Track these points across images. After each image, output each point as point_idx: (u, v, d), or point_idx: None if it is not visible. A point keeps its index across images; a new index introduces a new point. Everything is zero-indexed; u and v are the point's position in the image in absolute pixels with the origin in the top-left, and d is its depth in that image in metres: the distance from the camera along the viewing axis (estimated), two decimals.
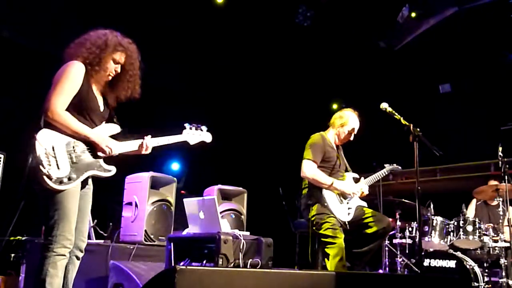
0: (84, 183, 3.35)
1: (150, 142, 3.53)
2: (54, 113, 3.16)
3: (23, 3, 6.69)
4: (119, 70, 3.43)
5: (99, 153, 3.31)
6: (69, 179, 3.15)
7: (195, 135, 3.82)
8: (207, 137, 3.90)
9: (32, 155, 3.09)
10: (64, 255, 3.18)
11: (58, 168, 3.12)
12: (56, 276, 3.15)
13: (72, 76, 3.24)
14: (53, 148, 3.13)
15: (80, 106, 3.27)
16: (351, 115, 5.11)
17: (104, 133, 3.37)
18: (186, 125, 3.79)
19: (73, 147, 3.21)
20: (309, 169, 4.83)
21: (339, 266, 4.52)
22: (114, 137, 3.43)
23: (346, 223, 4.79)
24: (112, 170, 3.40)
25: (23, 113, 6.32)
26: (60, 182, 3.11)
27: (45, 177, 3.07)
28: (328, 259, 4.60)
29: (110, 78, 3.43)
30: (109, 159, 3.40)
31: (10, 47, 6.57)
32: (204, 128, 3.87)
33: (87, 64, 3.31)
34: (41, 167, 3.06)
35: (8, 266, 4.87)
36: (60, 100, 3.18)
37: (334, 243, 4.59)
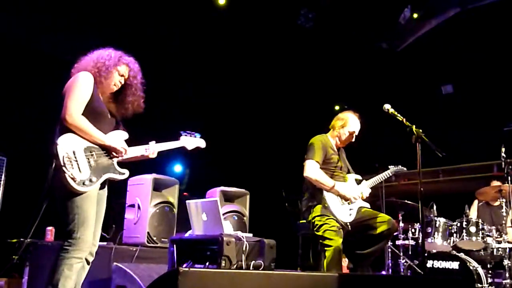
0: (102, 188, 3.55)
1: (156, 147, 3.78)
2: (72, 118, 3.35)
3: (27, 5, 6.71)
4: (122, 81, 3.64)
5: (113, 155, 3.51)
6: (90, 181, 3.33)
7: (191, 141, 4.10)
8: (201, 143, 4.19)
9: (55, 160, 3.27)
10: (81, 258, 3.33)
11: (80, 171, 3.30)
12: (70, 278, 3.27)
13: (84, 84, 3.45)
14: (73, 152, 3.31)
15: (92, 112, 3.46)
16: (351, 117, 5.11)
17: (118, 138, 3.59)
18: (182, 132, 4.07)
19: (91, 151, 3.40)
20: (312, 170, 4.82)
21: (334, 269, 4.50)
22: None
23: (348, 224, 4.78)
24: (126, 173, 3.60)
25: (25, 117, 6.34)
26: (83, 183, 3.29)
27: (69, 179, 3.23)
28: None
29: (114, 89, 3.63)
30: (119, 163, 3.60)
31: (10, 50, 6.58)
32: (197, 135, 4.16)
33: (95, 74, 3.52)
34: (64, 169, 3.23)
35: (12, 268, 4.88)
36: (76, 106, 3.38)
37: (330, 246, 4.59)
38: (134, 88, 3.67)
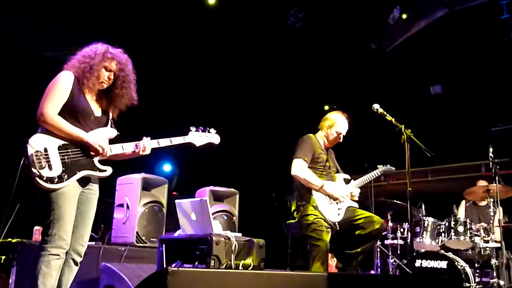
0: (85, 186, 3.45)
1: (148, 144, 3.60)
2: (45, 116, 3.30)
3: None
4: (112, 77, 3.51)
5: (92, 153, 3.41)
6: (60, 178, 3.25)
7: (202, 137, 3.91)
8: (215, 139, 4.00)
9: (24, 157, 3.24)
10: (58, 255, 3.27)
11: (50, 169, 3.24)
12: (50, 275, 3.23)
13: (60, 83, 3.39)
14: (45, 149, 3.27)
15: (73, 111, 3.39)
16: (339, 117, 5.12)
17: (100, 136, 3.45)
18: (192, 128, 3.87)
19: (66, 149, 3.32)
20: (300, 168, 4.83)
21: (321, 269, 4.51)
22: (111, 141, 3.52)
23: (336, 223, 4.80)
24: (108, 170, 3.49)
25: (11, 116, 6.28)
26: (51, 181, 3.22)
27: (36, 177, 3.20)
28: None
29: (104, 86, 3.52)
30: (104, 161, 3.50)
31: None
32: (212, 130, 3.96)
33: (79, 73, 3.44)
34: (32, 168, 3.20)
35: None
36: (50, 104, 3.33)
37: (318, 245, 4.60)
38: (122, 80, 3.51)
